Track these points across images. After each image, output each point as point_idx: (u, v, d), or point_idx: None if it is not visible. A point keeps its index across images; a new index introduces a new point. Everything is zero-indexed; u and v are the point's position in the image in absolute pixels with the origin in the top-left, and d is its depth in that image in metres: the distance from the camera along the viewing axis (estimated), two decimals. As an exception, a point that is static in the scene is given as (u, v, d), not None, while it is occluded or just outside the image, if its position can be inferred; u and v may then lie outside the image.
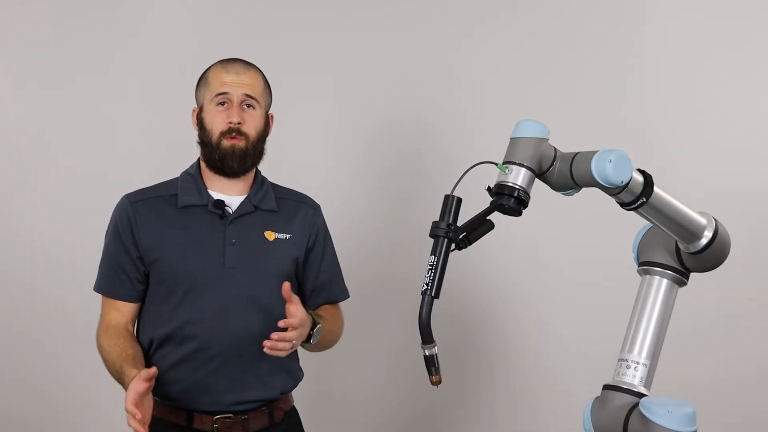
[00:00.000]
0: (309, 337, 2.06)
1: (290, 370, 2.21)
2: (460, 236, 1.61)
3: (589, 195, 1.77)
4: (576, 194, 1.72)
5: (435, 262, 1.59)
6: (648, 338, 1.72)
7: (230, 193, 2.16)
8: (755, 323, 2.98)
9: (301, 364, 2.27)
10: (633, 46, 3.06)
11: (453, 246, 1.61)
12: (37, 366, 3.11)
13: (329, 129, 3.15)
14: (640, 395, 1.66)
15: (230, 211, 2.14)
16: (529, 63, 3.08)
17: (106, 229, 2.19)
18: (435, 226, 1.62)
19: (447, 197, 1.63)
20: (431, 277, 1.58)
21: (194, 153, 2.21)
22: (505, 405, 3.12)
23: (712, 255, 1.75)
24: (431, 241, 1.62)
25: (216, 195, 2.15)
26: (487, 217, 1.65)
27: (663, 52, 3.03)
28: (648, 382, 1.70)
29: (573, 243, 3.04)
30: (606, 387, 1.70)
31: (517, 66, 3.08)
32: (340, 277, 2.33)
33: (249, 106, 2.14)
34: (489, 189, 1.66)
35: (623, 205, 1.68)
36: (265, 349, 1.95)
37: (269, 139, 2.21)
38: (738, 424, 2.95)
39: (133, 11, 3.14)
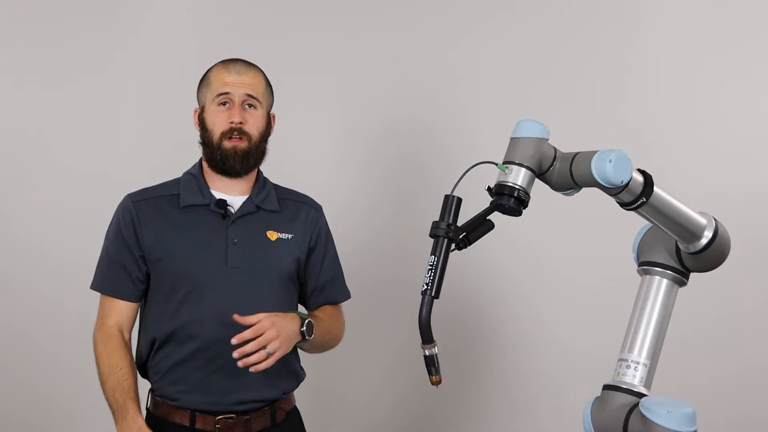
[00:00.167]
0: (303, 336, 2.05)
1: (292, 369, 2.21)
2: (460, 236, 1.61)
3: (589, 195, 1.77)
4: (576, 194, 1.72)
5: (435, 262, 1.59)
6: (648, 338, 1.72)
7: (232, 193, 2.16)
8: (755, 323, 2.98)
9: (302, 364, 2.27)
10: (633, 46, 3.05)
11: (453, 246, 1.61)
12: (37, 366, 3.11)
13: (330, 129, 3.15)
14: (640, 395, 1.66)
15: (232, 210, 2.14)
16: (529, 63, 3.08)
17: (106, 229, 2.19)
18: (435, 226, 1.61)
19: (447, 197, 1.63)
20: (431, 277, 1.58)
21: (195, 153, 2.21)
22: (505, 405, 3.12)
23: (712, 255, 1.75)
24: (431, 241, 1.61)
25: (218, 195, 2.15)
26: (487, 217, 1.65)
27: (663, 52, 3.03)
28: (648, 382, 1.70)
29: (573, 243, 3.04)
30: (606, 387, 1.70)
31: (517, 66, 3.08)
32: (342, 278, 2.32)
33: (251, 105, 2.14)
34: (489, 189, 1.66)
35: (623, 205, 1.68)
36: (239, 363, 1.94)
37: (270, 139, 2.21)
38: (738, 424, 2.94)
39: (133, 11, 3.14)
